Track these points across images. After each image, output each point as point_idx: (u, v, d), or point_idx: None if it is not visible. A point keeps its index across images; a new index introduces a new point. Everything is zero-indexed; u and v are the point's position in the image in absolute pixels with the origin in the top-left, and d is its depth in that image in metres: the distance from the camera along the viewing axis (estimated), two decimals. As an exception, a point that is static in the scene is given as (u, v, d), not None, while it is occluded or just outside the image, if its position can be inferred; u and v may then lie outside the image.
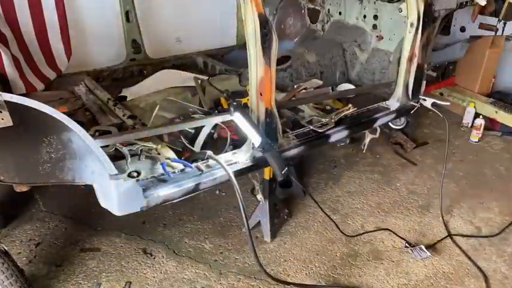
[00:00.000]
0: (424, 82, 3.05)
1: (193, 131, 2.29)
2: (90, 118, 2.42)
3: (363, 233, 2.72)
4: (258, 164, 2.19)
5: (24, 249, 2.52)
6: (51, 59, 2.61)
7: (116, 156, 1.91)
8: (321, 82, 3.29)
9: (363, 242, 2.67)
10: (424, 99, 3.01)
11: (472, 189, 3.18)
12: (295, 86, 3.08)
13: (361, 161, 3.50)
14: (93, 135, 1.86)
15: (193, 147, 2.23)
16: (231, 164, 2.11)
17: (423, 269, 2.47)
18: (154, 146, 2.02)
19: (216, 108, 2.58)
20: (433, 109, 3.01)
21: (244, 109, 2.09)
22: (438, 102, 2.99)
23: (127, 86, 3.05)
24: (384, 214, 2.90)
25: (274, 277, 2.24)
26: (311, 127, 2.41)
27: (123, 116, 2.42)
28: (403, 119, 3.39)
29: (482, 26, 3.92)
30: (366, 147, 3.32)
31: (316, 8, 3.84)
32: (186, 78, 3.13)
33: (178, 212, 2.87)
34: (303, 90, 2.99)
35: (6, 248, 1.94)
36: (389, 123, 3.24)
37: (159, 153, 2.03)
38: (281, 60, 3.22)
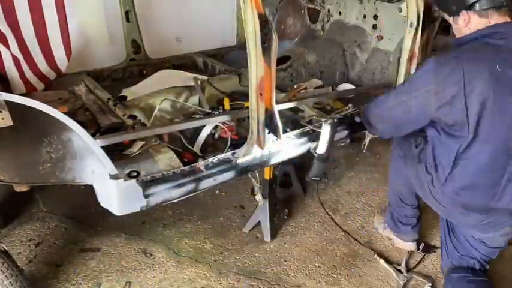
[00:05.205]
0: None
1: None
2: (90, 118, 2.41)
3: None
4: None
5: (24, 249, 2.52)
6: (51, 59, 2.60)
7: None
8: (321, 82, 3.28)
9: (363, 242, 2.67)
10: (424, 99, 3.00)
11: (472, 189, 3.16)
12: (295, 86, 3.08)
13: (361, 161, 3.50)
14: (93, 135, 1.86)
15: (193, 147, 2.23)
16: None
17: (423, 268, 2.47)
18: None
19: (218, 108, 2.58)
20: (433, 109, 3.00)
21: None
22: (438, 102, 2.98)
23: (127, 86, 3.05)
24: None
25: None
26: (311, 127, 2.41)
27: (123, 116, 2.42)
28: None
29: (482, 26, 3.90)
30: (365, 147, 3.31)
31: (316, 8, 3.83)
32: (186, 78, 3.12)
33: (178, 212, 2.87)
34: (303, 90, 2.98)
35: (6, 248, 1.94)
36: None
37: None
38: (281, 60, 3.22)
